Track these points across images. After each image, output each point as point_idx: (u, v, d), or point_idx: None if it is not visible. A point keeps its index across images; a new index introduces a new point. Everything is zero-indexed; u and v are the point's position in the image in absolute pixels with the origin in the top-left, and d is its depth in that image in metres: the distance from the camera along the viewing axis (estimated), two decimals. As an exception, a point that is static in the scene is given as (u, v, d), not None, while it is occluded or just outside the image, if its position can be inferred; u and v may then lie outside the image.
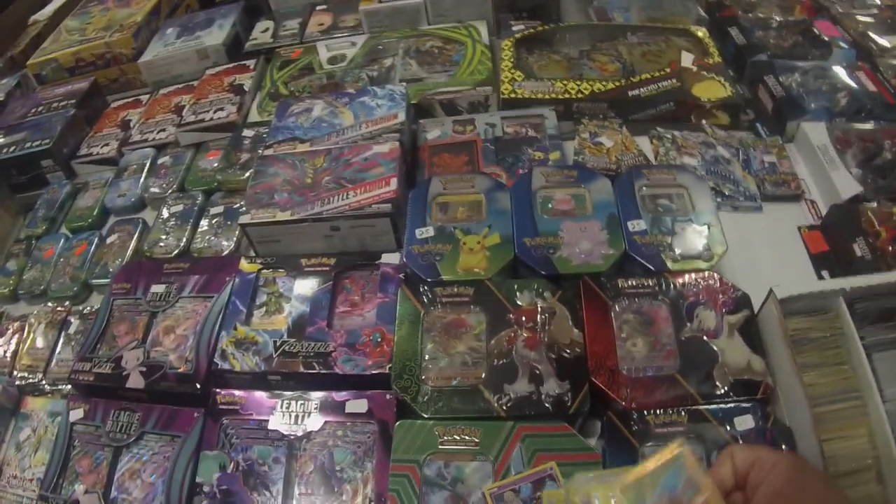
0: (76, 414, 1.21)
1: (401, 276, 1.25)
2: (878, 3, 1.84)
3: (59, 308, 1.47)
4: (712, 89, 1.55)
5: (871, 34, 1.71)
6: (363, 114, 1.54)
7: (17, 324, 1.49)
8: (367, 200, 1.32)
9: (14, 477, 1.24)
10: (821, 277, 1.27)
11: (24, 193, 1.84)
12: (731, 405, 1.01)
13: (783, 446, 0.97)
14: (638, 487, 0.75)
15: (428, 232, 1.27)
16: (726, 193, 1.39)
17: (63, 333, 1.42)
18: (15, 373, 1.39)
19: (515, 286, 1.16)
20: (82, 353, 1.29)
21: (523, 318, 1.12)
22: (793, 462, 0.76)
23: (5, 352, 1.44)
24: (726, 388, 1.03)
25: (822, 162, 1.40)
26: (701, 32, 1.73)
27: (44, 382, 1.36)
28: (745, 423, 0.99)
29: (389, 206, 1.31)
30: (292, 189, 1.39)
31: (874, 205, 1.30)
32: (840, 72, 1.58)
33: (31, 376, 1.38)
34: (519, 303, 1.14)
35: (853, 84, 1.55)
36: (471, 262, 1.21)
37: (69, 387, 1.32)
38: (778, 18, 1.80)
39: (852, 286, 1.06)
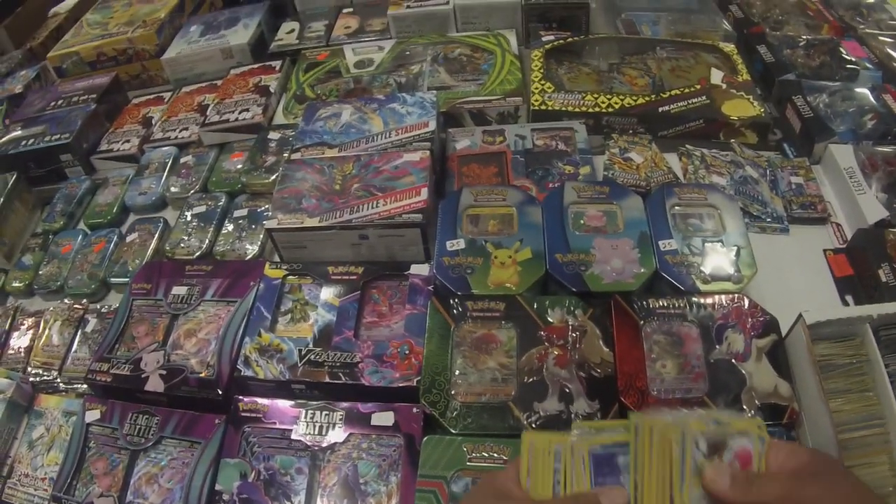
0: (92, 415, 1.20)
1: (430, 287, 1.24)
2: (904, 24, 1.84)
3: (76, 305, 1.46)
4: (742, 108, 1.54)
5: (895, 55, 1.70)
6: (393, 121, 1.52)
7: (31, 319, 1.47)
8: (397, 209, 1.31)
9: (25, 475, 1.23)
10: (845, 302, 1.26)
11: (42, 187, 1.83)
12: (758, 430, 1.00)
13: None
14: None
15: (459, 244, 1.25)
16: (754, 214, 1.38)
17: (80, 331, 1.41)
18: (29, 369, 1.38)
19: (547, 302, 1.15)
20: (100, 352, 1.28)
21: (554, 336, 1.11)
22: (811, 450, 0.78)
23: (19, 347, 1.43)
24: (753, 413, 1.01)
25: (848, 185, 1.39)
26: (729, 49, 1.72)
27: (58, 381, 1.35)
28: (771, 448, 0.98)
29: (420, 216, 1.30)
30: (321, 195, 1.38)
31: (900, 230, 1.29)
32: (867, 94, 1.58)
33: (45, 374, 1.37)
34: (550, 319, 1.13)
35: (880, 107, 1.54)
36: (502, 277, 1.20)
37: (84, 386, 1.31)
38: (806, 37, 1.79)
39: (879, 313, 1.05)
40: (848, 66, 1.68)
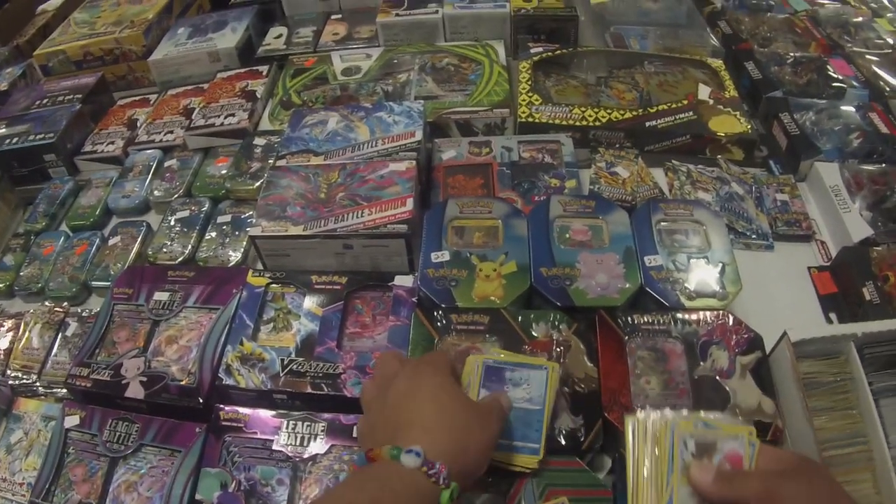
0: (72, 420, 1.19)
1: (414, 299, 1.23)
2: (891, 42, 1.85)
3: (56, 308, 1.44)
4: (728, 124, 1.54)
5: (882, 74, 1.72)
6: (379, 129, 1.52)
7: (11, 321, 1.46)
8: (383, 220, 1.30)
9: (3, 480, 1.21)
10: (829, 320, 1.27)
11: (25, 186, 1.81)
12: (741, 446, 1.00)
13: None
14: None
15: (443, 256, 1.25)
16: (739, 230, 1.38)
17: (60, 335, 1.39)
18: (8, 372, 1.36)
19: (531, 316, 1.15)
20: (80, 357, 1.26)
21: (538, 350, 1.11)
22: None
23: (-2, 349, 1.41)
24: (743, 420, 1.01)
25: (834, 203, 1.40)
26: (717, 65, 1.73)
27: (38, 384, 1.34)
28: (754, 465, 0.98)
29: (405, 226, 1.29)
30: (305, 203, 1.37)
31: (884, 248, 1.29)
32: (853, 112, 1.59)
33: (24, 377, 1.35)
34: (534, 334, 1.13)
35: (866, 125, 1.55)
36: (487, 290, 1.20)
37: (64, 391, 1.29)
38: (793, 54, 1.80)
39: (863, 332, 1.06)
40: (835, 84, 1.69)
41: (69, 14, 2.27)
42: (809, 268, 1.35)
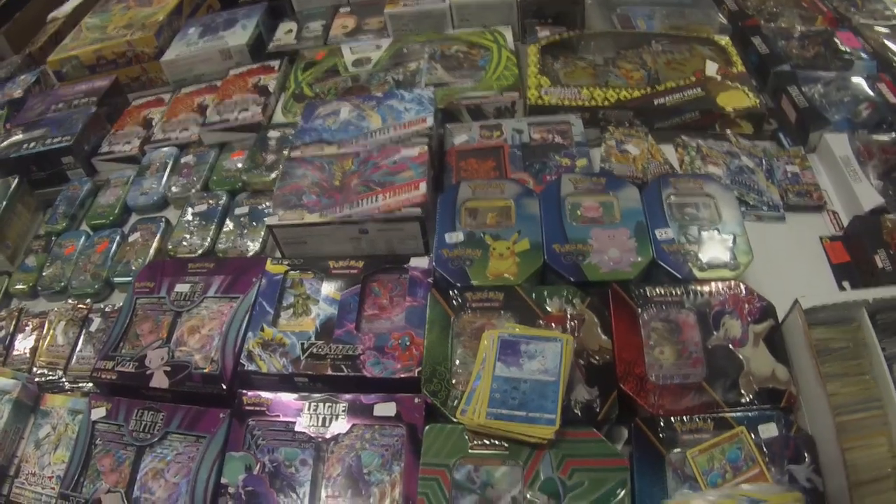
0: (98, 412, 1.21)
1: (429, 280, 1.25)
2: (899, 13, 1.85)
3: (80, 305, 1.47)
4: (736, 99, 1.55)
5: (890, 45, 1.71)
6: (391, 117, 1.54)
7: (36, 320, 1.48)
8: (397, 204, 1.32)
9: (33, 474, 1.24)
10: (842, 288, 1.27)
11: (44, 189, 1.84)
12: (756, 413, 1.01)
13: (805, 454, 0.97)
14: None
15: (458, 237, 1.27)
16: (750, 203, 1.39)
17: (84, 331, 1.42)
18: (34, 370, 1.39)
19: (545, 292, 1.16)
20: (105, 351, 1.29)
21: (553, 325, 1.12)
22: None
23: (25, 348, 1.44)
24: (751, 397, 1.03)
25: (844, 173, 1.40)
26: (724, 41, 1.73)
27: (64, 380, 1.36)
28: (769, 430, 0.99)
29: (419, 210, 1.31)
30: (321, 191, 1.39)
31: (895, 216, 1.30)
32: (862, 83, 1.59)
33: (50, 373, 1.38)
34: (549, 309, 1.14)
35: (875, 96, 1.55)
36: (501, 268, 1.21)
37: (90, 385, 1.31)
38: (800, 28, 1.80)
39: (875, 298, 1.07)
40: (843, 56, 1.69)
41: (79, 20, 2.30)
42: (822, 237, 1.36)
